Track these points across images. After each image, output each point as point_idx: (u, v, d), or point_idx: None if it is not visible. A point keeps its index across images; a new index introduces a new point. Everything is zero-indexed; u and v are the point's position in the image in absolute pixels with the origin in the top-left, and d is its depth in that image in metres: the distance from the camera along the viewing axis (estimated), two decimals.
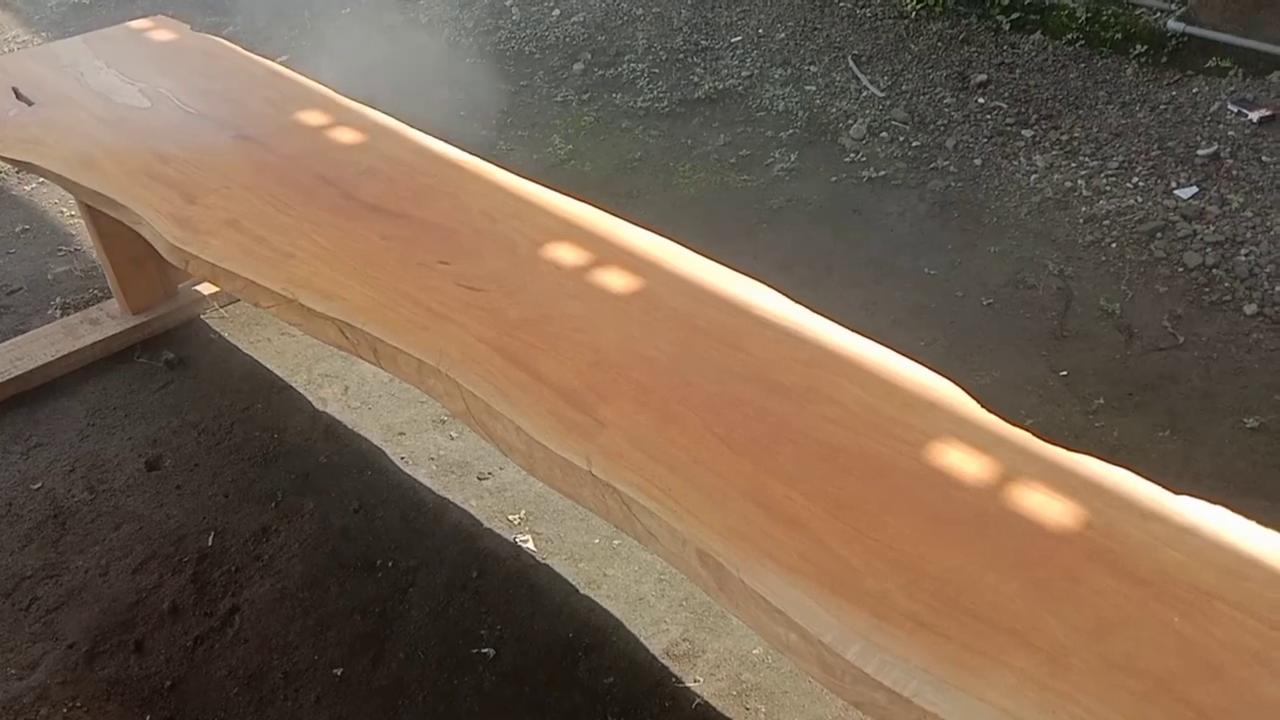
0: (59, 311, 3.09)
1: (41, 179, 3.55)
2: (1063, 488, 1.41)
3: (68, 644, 2.12)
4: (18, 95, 2.57)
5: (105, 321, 2.96)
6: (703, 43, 4.79)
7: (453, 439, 2.63)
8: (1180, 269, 3.21)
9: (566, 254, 1.94)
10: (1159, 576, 1.27)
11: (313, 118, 2.43)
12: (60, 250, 3.42)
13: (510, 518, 2.40)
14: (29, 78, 2.66)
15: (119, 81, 2.63)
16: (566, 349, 1.70)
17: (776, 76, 4.45)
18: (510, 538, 2.35)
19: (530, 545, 2.33)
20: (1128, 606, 1.23)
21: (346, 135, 2.35)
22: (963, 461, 1.45)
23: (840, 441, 1.49)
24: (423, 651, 2.10)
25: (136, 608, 2.20)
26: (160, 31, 2.97)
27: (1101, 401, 2.71)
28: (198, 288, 3.07)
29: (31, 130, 2.42)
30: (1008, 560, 1.31)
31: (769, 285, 1.83)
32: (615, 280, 1.86)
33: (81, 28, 4.97)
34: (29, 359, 2.82)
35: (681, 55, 4.69)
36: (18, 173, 3.81)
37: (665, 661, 2.08)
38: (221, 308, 3.09)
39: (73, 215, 3.58)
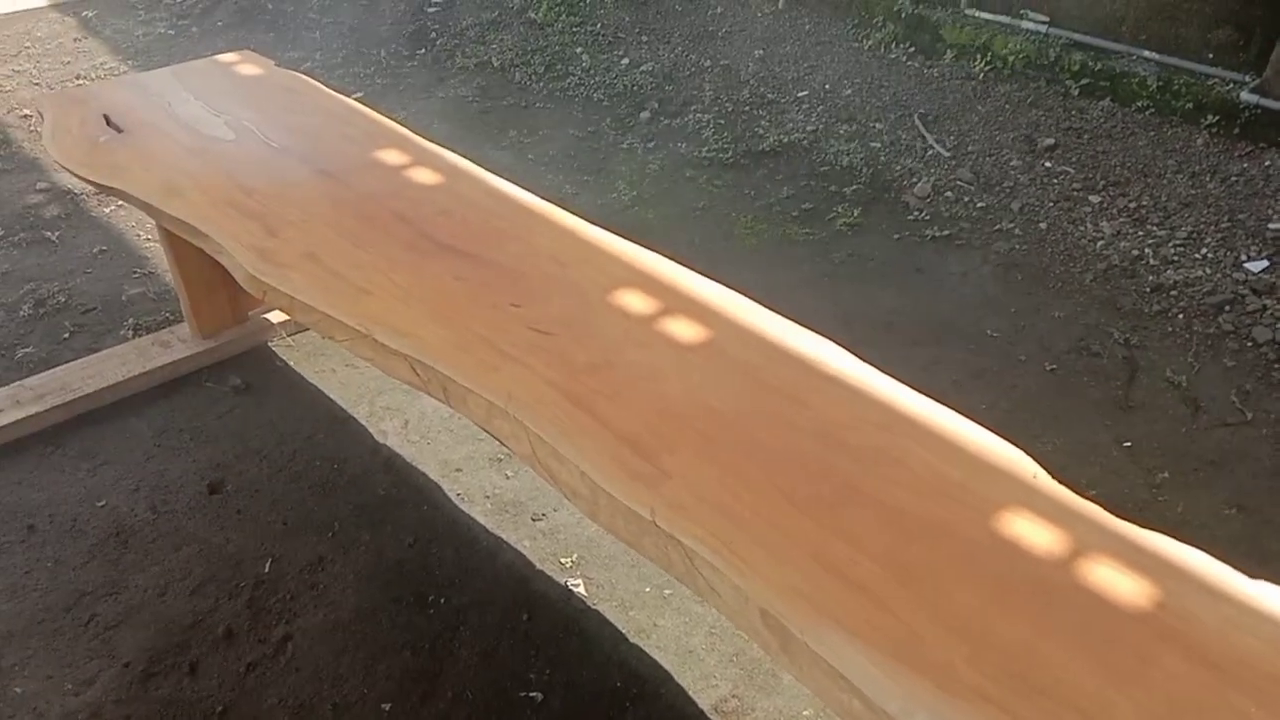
0: (131, 332, 3.17)
1: (120, 202, 3.65)
2: (1133, 564, 1.38)
3: (124, 662, 2.15)
4: (108, 122, 2.65)
5: (176, 344, 3.02)
6: (769, 96, 4.83)
7: (508, 478, 2.64)
8: (1249, 343, 3.15)
9: (634, 301, 1.95)
10: (1234, 663, 1.24)
11: (390, 156, 2.48)
12: (135, 272, 3.50)
13: (562, 560, 2.41)
14: (120, 105, 2.75)
15: (205, 113, 2.71)
16: (632, 396, 1.71)
17: (842, 132, 4.48)
18: (562, 581, 2.36)
19: (581, 590, 2.33)
20: (1202, 692, 1.20)
21: (423, 175, 2.40)
22: (1031, 532, 1.43)
23: (907, 505, 1.48)
24: (471, 691, 2.10)
25: (192, 630, 2.23)
26: (246, 66, 3.06)
27: (1166, 475, 2.67)
28: (267, 315, 3.14)
29: (120, 157, 2.50)
30: (1076, 636, 1.28)
31: (828, 339, 1.83)
32: (682, 330, 1.87)
33: (165, 56, 5.15)
34: (100, 378, 2.89)
35: (747, 108, 4.74)
36: (97, 195, 3.92)
37: (714, 718, 2.06)
38: (289, 336, 3.15)
39: (149, 238, 3.67)
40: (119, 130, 2.63)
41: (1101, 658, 1.25)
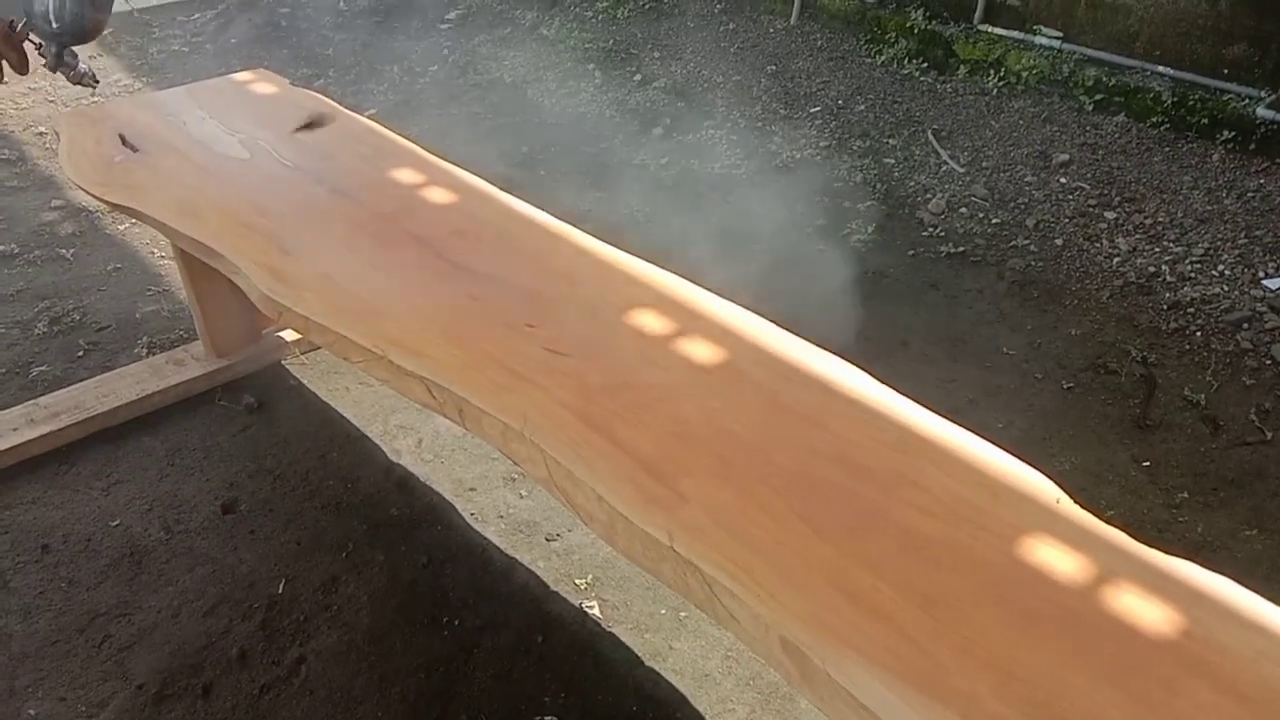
0: (145, 350, 3.16)
1: (134, 219, 3.66)
2: (1158, 592, 1.36)
3: (137, 684, 2.14)
4: (123, 141, 2.66)
5: (190, 363, 3.02)
6: (781, 112, 4.83)
7: (522, 497, 2.63)
8: (1268, 362, 3.13)
9: (649, 321, 1.94)
10: (1264, 693, 1.22)
11: (405, 175, 2.48)
12: (149, 290, 3.51)
13: (577, 582, 2.39)
14: (135, 124, 2.76)
15: (220, 132, 2.71)
16: (648, 418, 1.70)
17: (855, 148, 4.47)
18: (576, 603, 2.34)
19: (596, 612, 2.31)
20: None
21: (437, 194, 2.39)
22: (1054, 558, 1.41)
23: (928, 531, 1.46)
24: (485, 714, 2.08)
25: (206, 652, 2.21)
26: (260, 84, 3.06)
27: (1185, 495, 2.64)
28: (281, 334, 3.14)
29: (136, 176, 2.50)
30: (1102, 666, 1.26)
31: (843, 358, 1.82)
32: (698, 350, 1.86)
33: (179, 74, 5.17)
34: (115, 396, 2.88)
35: (760, 124, 4.73)
36: (111, 212, 3.93)
37: None
38: (303, 354, 3.14)
39: (163, 256, 3.68)
40: (134, 149, 2.63)
41: (1128, 688, 1.23)
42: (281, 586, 2.37)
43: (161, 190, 2.43)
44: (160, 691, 2.13)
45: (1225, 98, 4.25)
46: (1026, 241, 3.77)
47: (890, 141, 4.50)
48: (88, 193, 2.52)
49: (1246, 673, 1.25)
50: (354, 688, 2.13)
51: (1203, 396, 2.99)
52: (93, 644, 2.23)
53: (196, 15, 6.10)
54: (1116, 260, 3.64)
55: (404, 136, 2.70)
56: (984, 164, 4.26)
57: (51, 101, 4.99)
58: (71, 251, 3.73)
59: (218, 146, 2.63)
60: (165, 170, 2.53)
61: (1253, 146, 4.10)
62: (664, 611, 2.31)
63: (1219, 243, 3.67)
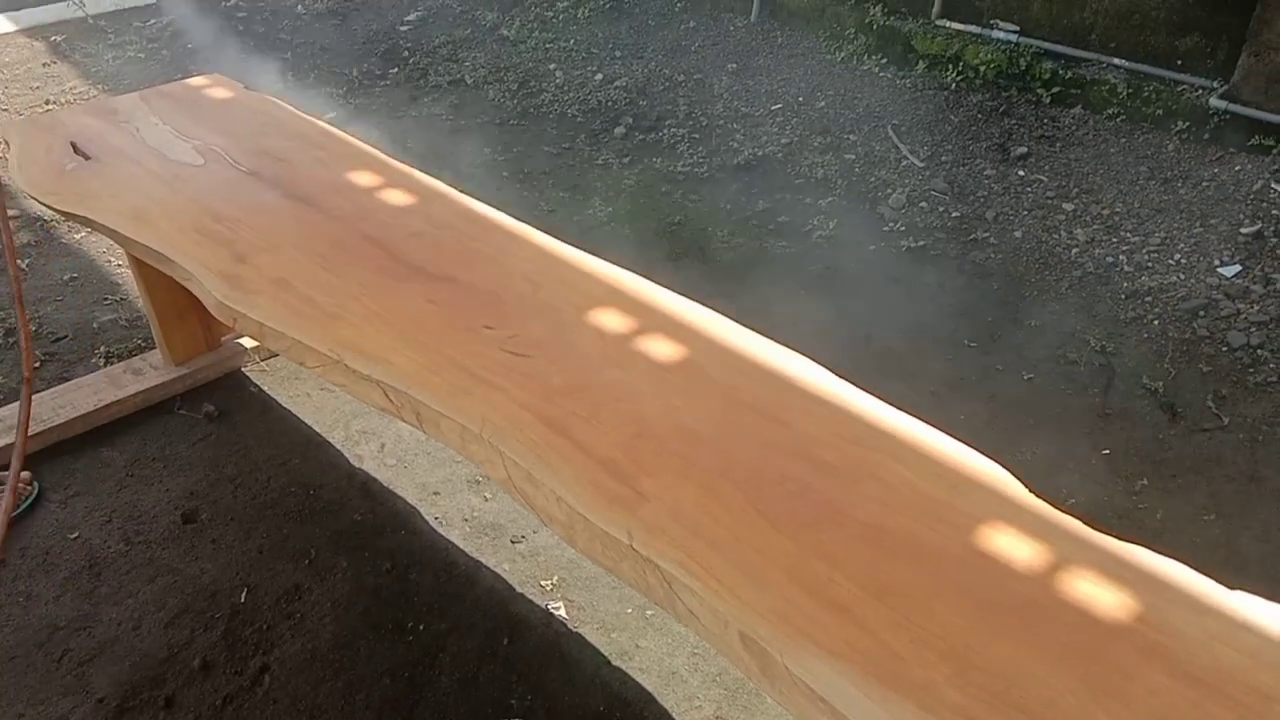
0: (103, 360, 3.12)
1: (89, 228, 3.61)
2: (1114, 578, 1.38)
3: (98, 698, 2.11)
4: (75, 149, 2.62)
5: (148, 372, 2.99)
6: (743, 109, 4.84)
7: (487, 500, 2.62)
8: (1224, 348, 3.17)
9: (609, 321, 1.94)
10: (1215, 676, 1.24)
11: (361, 178, 2.46)
12: (106, 299, 3.47)
13: (543, 583, 2.39)
14: (87, 131, 2.72)
15: (174, 138, 2.68)
16: (608, 418, 1.70)
17: (816, 144, 4.48)
18: (542, 604, 2.33)
19: (562, 613, 2.31)
20: (1184, 707, 1.20)
21: (394, 197, 2.38)
22: (1012, 548, 1.43)
23: (886, 523, 1.47)
24: (452, 719, 2.07)
25: (167, 663, 2.19)
26: (215, 89, 3.03)
27: (1145, 482, 2.67)
28: (240, 341, 3.11)
29: (88, 184, 2.46)
30: (1058, 653, 1.28)
31: (805, 354, 1.82)
32: (658, 349, 1.86)
33: (135, 80, 5.11)
34: (72, 407, 2.84)
35: (722, 121, 4.74)
36: (67, 221, 3.88)
37: None
38: (262, 361, 3.12)
39: (120, 265, 3.63)
40: (86, 157, 2.59)
41: (1084, 675, 1.25)
42: (244, 596, 2.35)
43: (114, 198, 2.41)
44: (121, 704, 2.10)
45: (1179, 89, 4.30)
46: (986, 234, 3.80)
47: (850, 137, 4.52)
48: (39, 202, 2.48)
49: (1199, 656, 1.26)
50: (318, 696, 2.11)
51: (1161, 384, 3.02)
52: (52, 658, 2.20)
53: (153, 20, 6.03)
54: (1075, 251, 3.67)
55: (362, 140, 2.68)
56: (943, 158, 4.29)
57: (4, 110, 4.92)
58: (27, 262, 3.68)
59: (171, 152, 2.60)
60: (117, 178, 2.50)
61: (1206, 136, 4.15)
62: (630, 610, 2.31)
63: (1175, 232, 3.72)
